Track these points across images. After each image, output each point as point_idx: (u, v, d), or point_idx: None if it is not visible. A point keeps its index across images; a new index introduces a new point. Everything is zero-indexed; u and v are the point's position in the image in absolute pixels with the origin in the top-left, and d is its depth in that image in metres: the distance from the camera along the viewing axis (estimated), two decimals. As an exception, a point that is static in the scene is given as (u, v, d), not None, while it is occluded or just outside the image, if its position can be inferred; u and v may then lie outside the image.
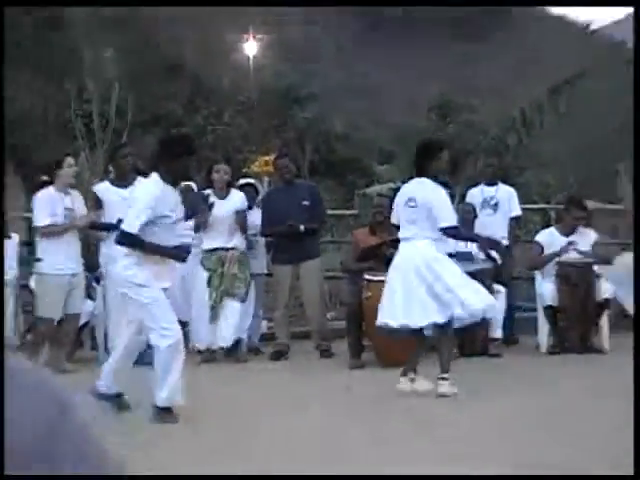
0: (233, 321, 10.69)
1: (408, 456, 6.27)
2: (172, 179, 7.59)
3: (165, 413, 7.54)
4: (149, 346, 7.83)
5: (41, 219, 10.26)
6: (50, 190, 10.29)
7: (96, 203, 10.67)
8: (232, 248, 10.82)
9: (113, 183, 10.74)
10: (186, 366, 10.45)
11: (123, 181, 10.56)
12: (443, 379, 8.39)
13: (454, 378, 8.52)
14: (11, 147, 17.86)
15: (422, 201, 8.59)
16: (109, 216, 10.42)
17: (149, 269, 7.55)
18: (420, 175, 8.75)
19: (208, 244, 10.77)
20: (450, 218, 8.60)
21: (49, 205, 10.22)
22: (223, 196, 10.80)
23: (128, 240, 7.53)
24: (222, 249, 10.77)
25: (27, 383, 0.88)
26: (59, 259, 10.24)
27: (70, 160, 10.51)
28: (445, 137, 23.52)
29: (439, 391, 8.31)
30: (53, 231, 10.22)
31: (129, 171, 10.75)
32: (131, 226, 7.50)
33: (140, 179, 10.64)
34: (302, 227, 10.89)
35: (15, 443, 0.84)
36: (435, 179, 8.72)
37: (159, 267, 7.55)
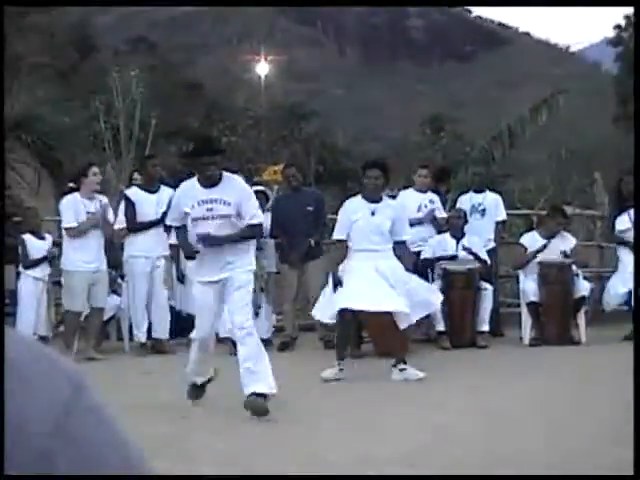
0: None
1: (394, 438, 6.25)
2: (199, 178, 7.35)
3: (194, 390, 7.63)
4: None
5: (67, 221, 10.38)
6: (75, 195, 10.42)
7: (132, 206, 10.79)
8: None
9: (141, 188, 10.92)
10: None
11: (150, 187, 10.78)
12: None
13: (446, 367, 8.51)
14: (45, 157, 17.90)
15: None
16: (138, 216, 10.65)
17: (192, 262, 7.61)
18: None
19: None
20: (335, 233, 9.07)
21: (73, 209, 10.33)
22: None
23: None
24: None
25: (40, 361, 0.85)
26: (81, 257, 10.35)
27: (95, 169, 10.60)
28: (437, 149, 23.55)
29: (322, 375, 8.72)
30: (78, 232, 10.31)
31: (156, 179, 10.94)
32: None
33: (163, 187, 10.85)
34: (312, 242, 10.97)
35: (31, 420, 0.81)
36: (362, 195, 8.98)
37: (200, 261, 7.40)
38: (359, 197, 9.03)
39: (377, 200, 8.90)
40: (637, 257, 10.54)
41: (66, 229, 10.48)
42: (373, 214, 8.78)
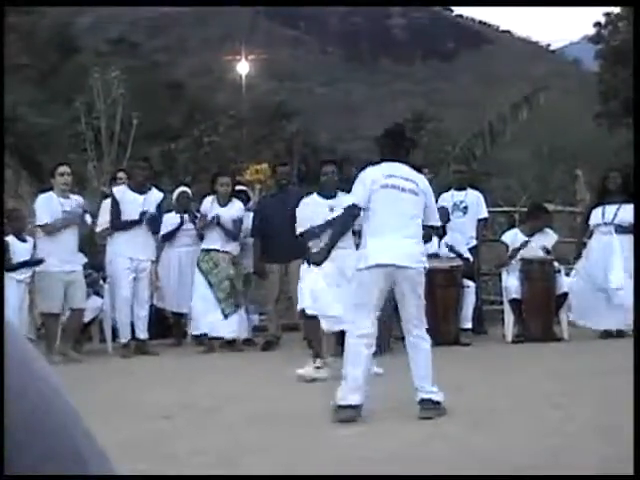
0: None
1: (378, 436, 6.25)
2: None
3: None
4: None
5: (41, 219, 10.38)
6: (51, 194, 10.44)
7: (117, 205, 10.77)
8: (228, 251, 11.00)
9: (130, 188, 10.90)
10: (187, 355, 10.48)
11: (140, 188, 10.79)
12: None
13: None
14: (25, 158, 17.86)
15: None
16: (125, 215, 10.65)
17: None
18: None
19: (210, 245, 10.91)
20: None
21: (47, 207, 10.34)
22: (225, 204, 10.93)
23: None
24: (217, 251, 10.90)
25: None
26: (55, 258, 10.32)
27: (61, 169, 10.59)
28: (419, 147, 23.55)
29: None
30: (52, 229, 10.30)
31: (145, 181, 10.95)
32: None
33: (152, 189, 10.92)
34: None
35: None
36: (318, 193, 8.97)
37: None
38: (315, 195, 9.07)
39: (333, 196, 8.94)
40: (637, 254, 10.52)
41: (39, 227, 10.48)
42: (332, 210, 8.67)
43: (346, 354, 6.88)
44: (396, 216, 6.79)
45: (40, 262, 10.60)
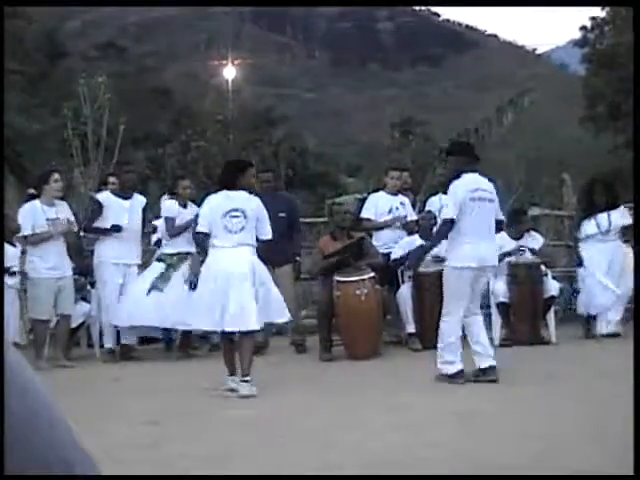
0: None
1: (364, 439, 6.24)
2: None
3: None
4: None
5: (25, 229, 10.35)
6: (34, 203, 10.39)
7: (98, 209, 10.75)
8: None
9: (114, 194, 10.89)
10: (174, 360, 10.46)
11: (124, 193, 10.79)
12: (244, 381, 8.13)
13: (417, 369, 8.52)
14: (12, 163, 17.82)
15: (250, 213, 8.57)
16: (109, 221, 10.61)
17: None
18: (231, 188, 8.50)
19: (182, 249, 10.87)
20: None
21: (32, 216, 10.31)
22: (185, 206, 10.89)
23: None
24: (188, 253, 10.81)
25: None
26: (46, 264, 10.30)
27: (56, 176, 10.59)
28: (407, 152, 23.61)
29: (241, 393, 8.02)
30: (36, 240, 10.28)
31: (130, 186, 10.94)
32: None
33: (135, 194, 10.89)
34: (298, 259, 10.96)
35: None
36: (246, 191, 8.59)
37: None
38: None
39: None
40: (637, 257, 10.59)
41: (23, 237, 10.46)
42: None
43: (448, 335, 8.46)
44: (484, 224, 8.22)
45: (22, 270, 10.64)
